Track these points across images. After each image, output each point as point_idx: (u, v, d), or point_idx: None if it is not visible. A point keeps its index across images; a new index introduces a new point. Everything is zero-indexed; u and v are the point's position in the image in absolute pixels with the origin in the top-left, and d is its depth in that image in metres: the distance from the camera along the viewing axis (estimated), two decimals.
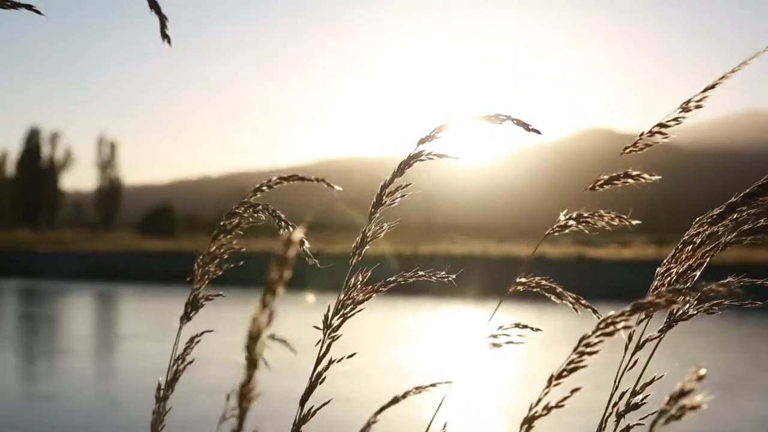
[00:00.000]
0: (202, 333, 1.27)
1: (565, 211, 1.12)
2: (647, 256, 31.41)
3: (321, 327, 1.08)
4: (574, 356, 0.84)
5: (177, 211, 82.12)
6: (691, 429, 8.54)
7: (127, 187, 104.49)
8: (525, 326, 1.10)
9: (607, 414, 1.02)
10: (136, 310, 26.80)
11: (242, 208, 1.24)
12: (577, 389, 0.90)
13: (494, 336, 1.09)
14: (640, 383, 1.03)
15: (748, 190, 1.01)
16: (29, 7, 0.91)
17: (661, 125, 1.05)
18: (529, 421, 0.93)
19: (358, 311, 1.10)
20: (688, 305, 1.04)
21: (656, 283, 1.10)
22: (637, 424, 1.00)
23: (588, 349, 0.83)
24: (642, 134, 1.05)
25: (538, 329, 1.12)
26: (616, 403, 1.03)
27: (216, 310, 1.27)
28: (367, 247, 1.12)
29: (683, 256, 1.08)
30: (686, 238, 1.08)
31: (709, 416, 9.44)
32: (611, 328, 0.79)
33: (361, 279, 1.11)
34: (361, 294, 1.10)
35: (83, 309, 27.07)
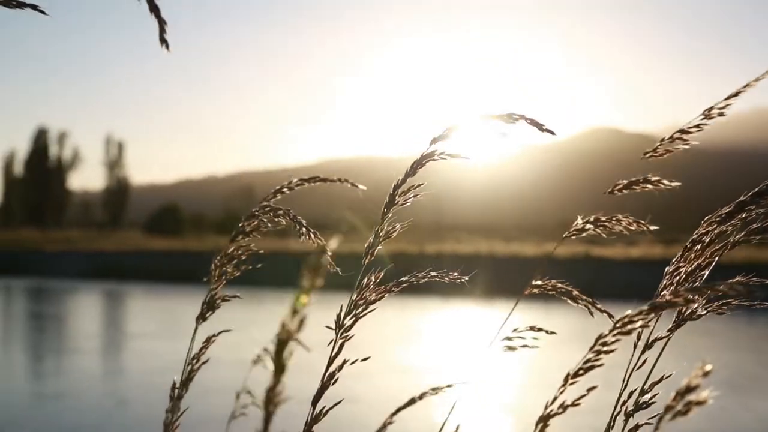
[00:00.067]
0: (219, 333, 1.27)
1: (583, 216, 1.11)
2: (654, 255, 31.31)
3: (333, 327, 1.08)
4: (591, 355, 0.84)
5: (183, 211, 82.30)
6: (700, 428, 8.52)
7: (134, 187, 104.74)
8: (540, 329, 1.10)
9: (615, 413, 1.02)
10: (143, 309, 26.88)
11: (262, 211, 1.23)
12: (593, 388, 0.90)
13: (509, 338, 1.09)
14: (649, 382, 1.03)
15: (757, 189, 1.01)
16: (34, 7, 0.91)
17: (682, 131, 1.04)
18: (544, 419, 0.93)
19: (371, 311, 1.10)
20: (697, 305, 1.04)
21: (665, 281, 1.09)
22: (646, 423, 1.00)
23: (605, 348, 0.82)
24: (663, 140, 1.05)
25: (552, 332, 1.11)
26: (624, 402, 1.02)
27: (223, 310, 1.27)
28: (379, 247, 1.12)
29: (692, 255, 1.08)
30: (695, 237, 1.08)
31: (719, 416, 9.41)
32: (628, 327, 0.79)
33: (374, 279, 1.11)
34: (374, 294, 1.10)
35: (90, 308, 27.15)
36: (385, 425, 1.38)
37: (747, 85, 0.99)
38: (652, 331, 1.04)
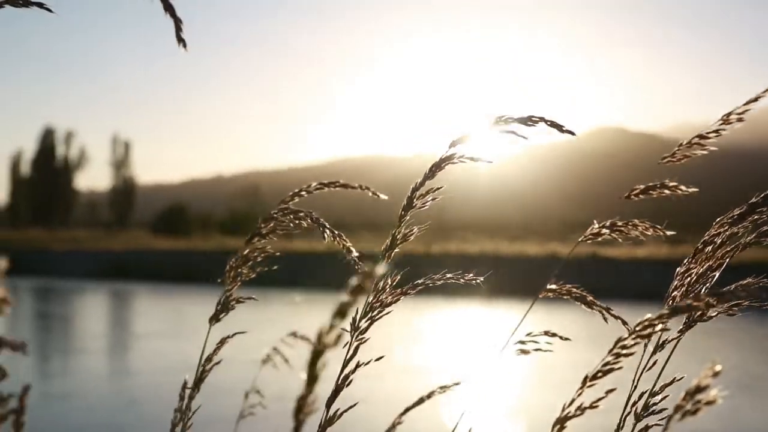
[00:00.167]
0: (234, 334, 1.27)
1: (599, 220, 1.11)
2: (660, 255, 31.22)
3: (348, 329, 1.08)
4: (610, 358, 0.84)
5: (190, 211, 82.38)
6: (708, 428, 8.50)
7: (141, 187, 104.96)
8: (554, 334, 1.10)
9: (625, 414, 1.02)
10: (150, 309, 26.92)
11: (282, 213, 1.23)
12: (611, 390, 0.89)
13: (522, 342, 1.09)
14: (659, 384, 1.03)
15: None
16: (40, 5, 0.91)
17: (700, 136, 1.03)
18: (561, 421, 0.93)
19: (386, 314, 1.09)
20: (693, 299, 1.04)
21: (676, 282, 1.09)
22: (656, 425, 1.00)
23: (624, 351, 0.82)
24: (681, 144, 1.04)
25: (567, 338, 1.11)
26: (635, 403, 1.02)
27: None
28: (397, 249, 1.12)
29: (703, 257, 1.08)
30: (707, 238, 1.08)
31: (729, 416, 9.38)
32: (648, 330, 0.79)
33: (390, 282, 1.10)
34: (390, 297, 1.09)
35: (97, 308, 27.21)
36: (394, 425, 1.38)
37: (766, 90, 0.98)
38: (662, 332, 1.04)
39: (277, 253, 1.24)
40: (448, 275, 1.13)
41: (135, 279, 36.79)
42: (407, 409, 1.39)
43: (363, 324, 1.09)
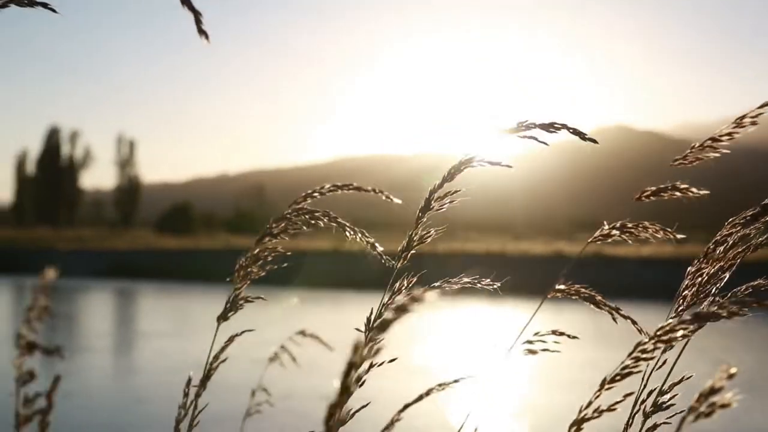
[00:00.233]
0: (242, 332, 1.27)
1: (609, 221, 1.10)
2: (665, 254, 31.18)
3: (362, 329, 1.08)
4: (629, 361, 0.83)
5: (195, 210, 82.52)
6: (717, 429, 8.48)
7: (146, 186, 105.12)
8: (561, 333, 1.09)
9: (634, 412, 1.01)
10: (155, 308, 26.98)
11: (296, 213, 1.22)
12: (630, 394, 0.89)
13: (529, 342, 1.08)
14: (668, 382, 1.02)
15: None
16: (45, 5, 0.91)
17: (713, 139, 1.02)
18: (578, 423, 0.92)
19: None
20: (717, 306, 1.03)
21: (687, 282, 1.09)
22: (664, 423, 1.00)
23: (643, 355, 0.82)
24: (693, 147, 1.03)
25: (574, 337, 1.11)
26: (643, 401, 1.02)
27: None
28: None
29: (714, 257, 1.07)
30: (718, 238, 1.07)
31: (738, 416, 9.35)
32: (669, 336, 0.78)
33: (406, 283, 1.10)
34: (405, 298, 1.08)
35: (102, 306, 27.28)
36: (393, 422, 1.38)
37: None
38: None
39: (288, 253, 1.23)
40: (465, 279, 1.12)
41: (140, 278, 36.86)
42: (406, 406, 1.39)
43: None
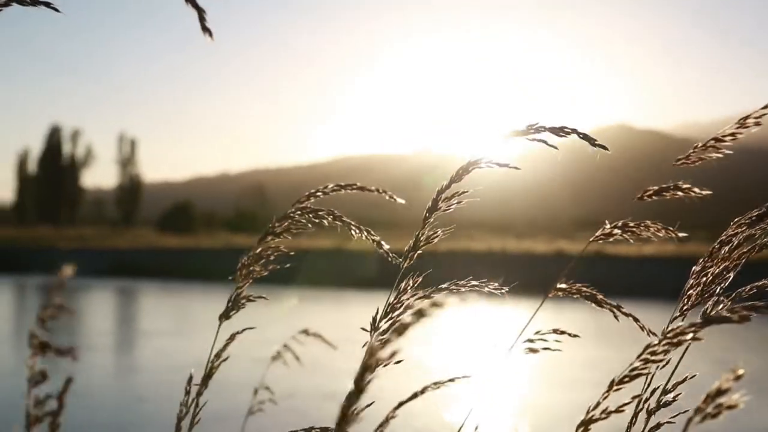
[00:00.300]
0: (243, 330, 1.27)
1: (611, 220, 1.10)
2: (667, 252, 31.16)
3: (368, 329, 1.07)
4: (638, 363, 0.83)
5: (196, 209, 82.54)
6: (718, 428, 8.47)
7: (147, 185, 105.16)
8: (563, 332, 1.09)
9: (637, 410, 1.01)
10: (155, 307, 26.99)
11: (299, 212, 1.22)
12: (637, 396, 0.88)
13: (530, 341, 1.08)
14: (672, 381, 1.02)
15: None
16: (47, 4, 0.91)
17: (716, 139, 1.02)
18: (586, 423, 0.92)
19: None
20: (722, 306, 1.03)
21: (691, 281, 1.09)
22: (668, 422, 1.00)
23: (653, 357, 0.82)
24: (696, 147, 1.03)
25: (575, 335, 1.11)
26: (647, 400, 1.02)
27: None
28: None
29: (720, 257, 1.07)
30: (723, 238, 1.07)
31: (743, 416, 9.35)
32: (679, 338, 0.78)
33: (411, 283, 1.10)
34: (412, 298, 1.08)
35: (103, 305, 27.29)
36: (387, 419, 1.38)
37: None
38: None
39: (291, 252, 1.23)
40: (474, 282, 1.12)
41: (141, 277, 36.88)
42: (401, 404, 1.39)
43: (384, 325, 1.08)
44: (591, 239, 1.10)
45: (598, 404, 0.92)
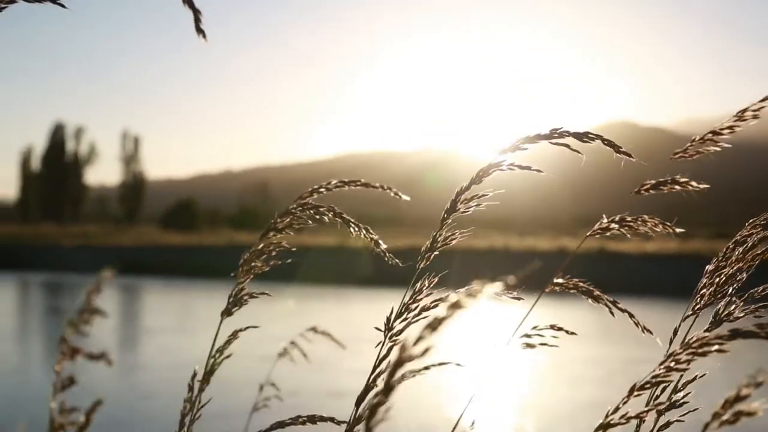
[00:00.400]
0: (246, 328, 1.27)
1: (608, 215, 1.10)
2: (670, 250, 31.10)
3: (382, 329, 1.07)
4: (661, 371, 0.83)
5: (199, 206, 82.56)
6: (724, 429, 8.45)
7: (150, 182, 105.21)
8: (560, 328, 1.09)
9: (647, 409, 1.01)
10: (160, 304, 27.02)
11: (301, 209, 1.22)
12: (661, 404, 0.87)
13: (527, 336, 1.08)
14: (682, 380, 1.02)
15: None
16: (53, 1, 0.91)
17: (714, 132, 1.02)
18: (604, 427, 0.92)
19: (423, 318, 1.08)
20: (734, 306, 1.03)
21: (704, 280, 1.09)
22: (677, 421, 1.00)
23: (675, 366, 0.81)
24: (693, 140, 1.02)
25: (573, 333, 1.10)
26: (657, 397, 1.02)
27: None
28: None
29: (734, 257, 1.07)
30: (738, 238, 1.07)
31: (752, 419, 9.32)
32: (704, 349, 0.78)
33: (427, 284, 1.10)
34: (429, 299, 1.08)
35: (107, 302, 27.28)
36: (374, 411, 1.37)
37: None
38: (688, 330, 1.03)
39: (293, 249, 1.23)
40: (491, 286, 1.12)
41: (144, 274, 36.93)
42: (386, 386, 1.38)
43: (398, 325, 1.08)
44: (588, 233, 1.10)
45: (617, 409, 0.92)
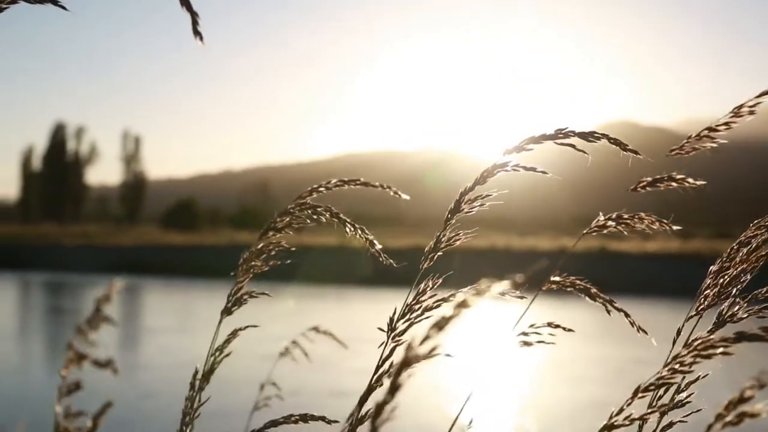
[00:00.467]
0: (246, 327, 1.27)
1: (605, 213, 1.10)
2: (671, 249, 31.11)
3: (384, 329, 1.07)
4: (666, 373, 0.82)
5: (199, 205, 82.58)
6: (734, 430, 8.45)
7: (151, 182, 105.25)
8: (557, 326, 1.09)
9: (650, 409, 1.01)
10: (160, 304, 27.03)
11: (299, 208, 1.21)
12: (665, 405, 0.88)
13: (525, 334, 1.08)
14: (685, 381, 1.02)
15: None
16: (54, 2, 0.91)
17: (710, 129, 1.01)
18: (608, 429, 0.92)
19: (426, 318, 1.08)
20: (738, 307, 1.03)
21: (708, 281, 1.08)
22: (680, 421, 0.99)
23: (680, 368, 0.81)
24: (690, 137, 1.02)
25: (570, 329, 1.10)
26: (660, 397, 1.02)
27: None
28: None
29: (738, 259, 1.07)
30: (742, 239, 1.07)
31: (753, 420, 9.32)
32: (709, 351, 0.78)
33: (431, 284, 1.09)
34: (432, 300, 1.08)
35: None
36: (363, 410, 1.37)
37: None
38: (692, 331, 1.03)
39: (292, 248, 1.23)
40: (496, 287, 1.11)
41: (145, 274, 36.94)
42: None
43: (401, 326, 1.08)
44: (585, 231, 1.10)
45: (621, 410, 0.91)
